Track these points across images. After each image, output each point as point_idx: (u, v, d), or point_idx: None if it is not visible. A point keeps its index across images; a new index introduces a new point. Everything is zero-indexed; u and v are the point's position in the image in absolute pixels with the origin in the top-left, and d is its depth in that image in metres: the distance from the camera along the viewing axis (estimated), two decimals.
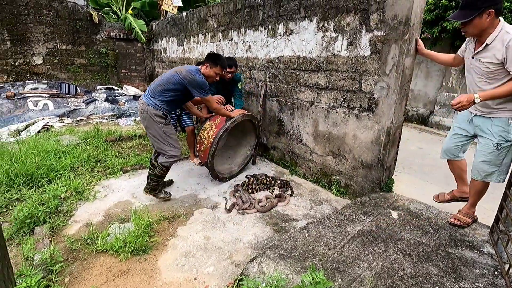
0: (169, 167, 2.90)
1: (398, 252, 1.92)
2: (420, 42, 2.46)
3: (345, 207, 2.58)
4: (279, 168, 3.95)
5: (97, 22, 7.02)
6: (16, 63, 6.26)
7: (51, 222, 2.55)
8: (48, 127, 5.66)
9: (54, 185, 3.21)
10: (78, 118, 6.15)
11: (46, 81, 6.64)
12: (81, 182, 3.32)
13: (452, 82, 5.80)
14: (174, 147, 2.83)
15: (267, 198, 3.01)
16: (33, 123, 5.60)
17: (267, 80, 3.89)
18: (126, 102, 7.03)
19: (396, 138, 2.74)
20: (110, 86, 7.44)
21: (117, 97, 7.13)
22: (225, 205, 2.81)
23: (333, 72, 3.00)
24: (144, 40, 7.51)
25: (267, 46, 3.78)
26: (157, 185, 3.00)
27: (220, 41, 4.73)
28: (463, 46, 2.20)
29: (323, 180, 3.38)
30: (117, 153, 4.23)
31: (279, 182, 3.36)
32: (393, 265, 1.81)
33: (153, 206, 2.93)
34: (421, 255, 1.90)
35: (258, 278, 1.74)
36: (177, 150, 2.85)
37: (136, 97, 7.34)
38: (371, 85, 2.67)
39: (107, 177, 3.55)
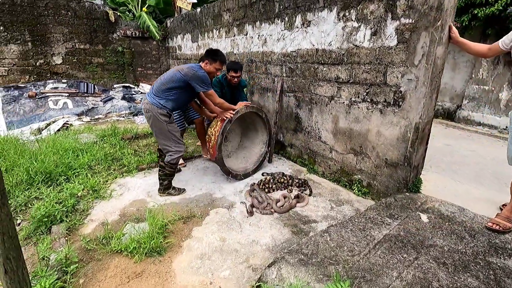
0: (176, 163, 2.94)
1: (431, 260, 1.75)
2: (454, 29, 2.25)
3: (369, 208, 2.41)
4: (297, 166, 3.81)
5: (113, 21, 7.09)
6: (37, 63, 6.42)
7: (68, 221, 2.54)
8: (67, 125, 5.77)
9: (72, 183, 3.23)
10: (96, 117, 6.24)
11: (65, 81, 6.78)
12: (98, 181, 3.33)
13: (482, 74, 5.41)
14: (178, 143, 2.89)
15: (284, 197, 2.89)
16: (54, 122, 5.73)
17: (284, 75, 3.75)
18: (142, 100, 7.08)
19: (425, 134, 2.53)
20: (127, 85, 7.52)
21: (133, 95, 7.19)
22: (247, 210, 2.72)
23: (354, 64, 2.81)
24: (159, 37, 7.53)
25: (283, 39, 3.63)
26: (169, 183, 3.01)
27: (235, 36, 4.62)
28: (506, 39, 1.99)
29: (343, 179, 3.21)
30: (133, 151, 4.23)
31: (296, 181, 3.22)
32: (426, 275, 1.64)
33: (168, 205, 2.87)
34: (457, 264, 1.72)
35: (277, 285, 1.63)
36: (181, 145, 2.91)
37: None
38: (397, 78, 2.48)
39: (123, 175, 3.54)
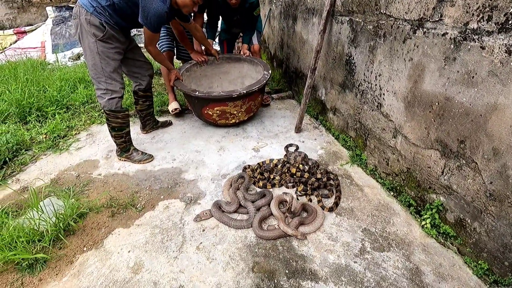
0: (117, 111, 1.96)
1: None
2: None
3: None
4: (336, 146, 2.34)
5: None
6: None
7: None
8: None
9: (43, 124, 2.67)
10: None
11: None
12: (73, 124, 2.68)
13: None
14: (112, 77, 1.86)
15: (284, 203, 1.64)
16: None
17: None
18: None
19: None
20: None
21: None
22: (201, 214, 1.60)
23: None
24: None
25: None
26: (124, 143, 2.13)
27: None
28: None
29: (408, 193, 1.70)
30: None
31: (320, 176, 1.86)
32: None
33: (117, 178, 2.01)
34: None
35: None
36: (116, 83, 1.90)
37: None
38: None
39: (102, 121, 2.78)
